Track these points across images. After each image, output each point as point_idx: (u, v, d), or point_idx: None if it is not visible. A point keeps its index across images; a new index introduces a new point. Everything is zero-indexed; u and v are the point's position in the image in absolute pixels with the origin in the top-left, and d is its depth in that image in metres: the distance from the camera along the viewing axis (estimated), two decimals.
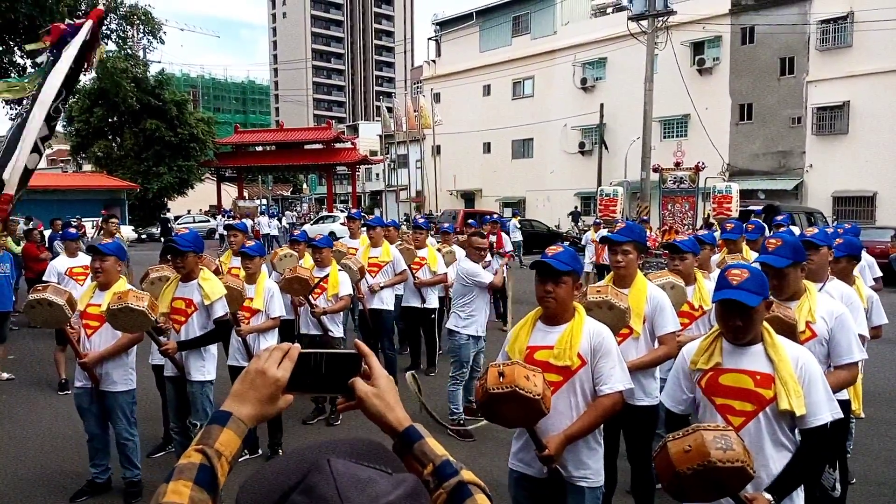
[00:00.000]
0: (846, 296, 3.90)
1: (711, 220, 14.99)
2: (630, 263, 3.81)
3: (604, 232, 11.40)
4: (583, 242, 15.21)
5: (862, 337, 3.79)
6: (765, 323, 2.57)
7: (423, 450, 1.09)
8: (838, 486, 4.09)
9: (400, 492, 0.76)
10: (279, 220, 32.82)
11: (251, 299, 5.23)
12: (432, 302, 7.82)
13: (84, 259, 7.27)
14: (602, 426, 3.00)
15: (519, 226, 23.21)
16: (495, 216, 15.68)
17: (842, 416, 2.52)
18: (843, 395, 3.63)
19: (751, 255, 5.89)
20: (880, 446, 5.60)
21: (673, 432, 2.25)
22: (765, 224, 8.27)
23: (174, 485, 0.93)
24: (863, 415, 4.37)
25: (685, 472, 2.09)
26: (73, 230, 8.64)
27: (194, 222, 37.68)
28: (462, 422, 5.99)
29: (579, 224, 30.27)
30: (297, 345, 1.09)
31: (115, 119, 37.04)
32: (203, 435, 0.99)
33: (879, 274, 7.22)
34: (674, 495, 2.28)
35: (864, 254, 5.81)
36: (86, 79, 27.95)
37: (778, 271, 3.16)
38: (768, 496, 2.36)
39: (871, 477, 5.01)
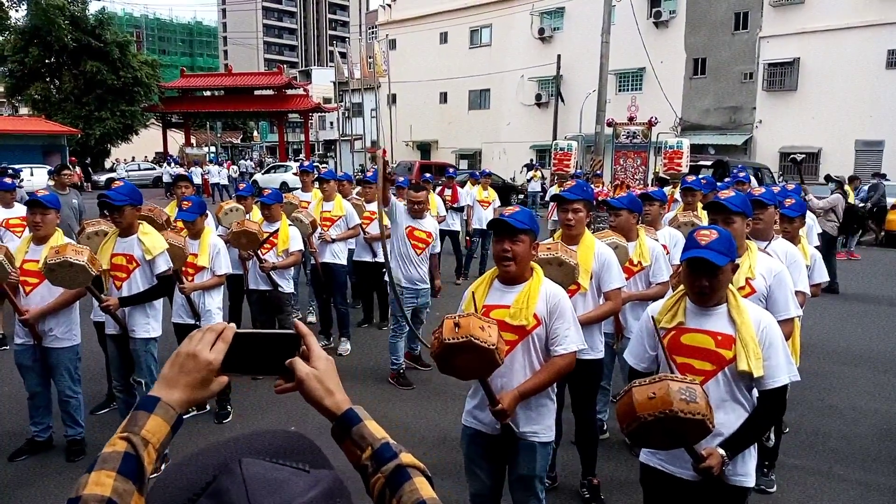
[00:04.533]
0: (790, 254, 4.01)
1: (662, 175, 15.13)
2: (580, 221, 3.88)
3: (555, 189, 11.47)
4: (547, 198, 15.21)
5: (803, 293, 3.93)
6: (730, 286, 2.61)
7: (362, 433, 1.06)
8: (772, 436, 4.28)
9: (315, 492, 0.73)
10: (228, 169, 31.82)
11: (195, 255, 5.08)
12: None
13: (20, 210, 6.95)
14: None
15: (540, 177, 24.61)
16: (451, 170, 15.57)
17: (799, 378, 2.61)
18: None
19: (703, 213, 5.95)
20: (815, 396, 5.86)
21: (640, 378, 2.29)
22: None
23: (96, 475, 0.86)
24: (797, 366, 4.53)
25: (646, 417, 2.12)
26: (8, 180, 8.25)
27: (139, 170, 36.10)
28: (402, 371, 6.15)
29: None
30: (232, 324, 1.04)
31: (52, 60, 35.04)
32: (129, 422, 0.94)
33: (819, 231, 7.46)
34: (632, 439, 2.33)
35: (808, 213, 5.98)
36: (18, 15, 26.30)
37: (727, 217, 3.22)
38: (721, 451, 2.44)
39: (804, 426, 5.26)
